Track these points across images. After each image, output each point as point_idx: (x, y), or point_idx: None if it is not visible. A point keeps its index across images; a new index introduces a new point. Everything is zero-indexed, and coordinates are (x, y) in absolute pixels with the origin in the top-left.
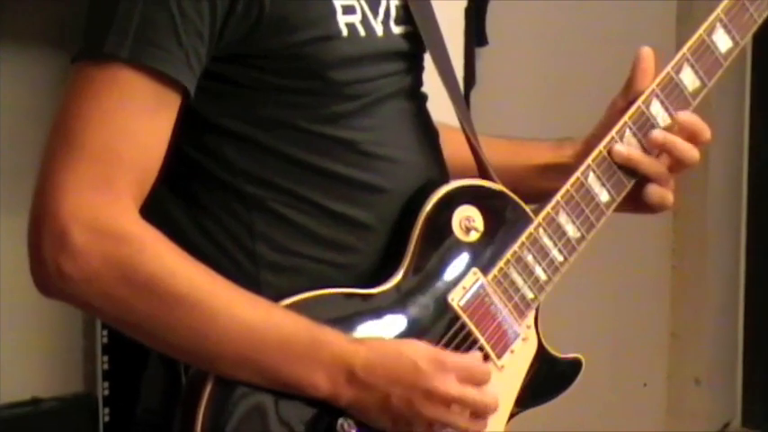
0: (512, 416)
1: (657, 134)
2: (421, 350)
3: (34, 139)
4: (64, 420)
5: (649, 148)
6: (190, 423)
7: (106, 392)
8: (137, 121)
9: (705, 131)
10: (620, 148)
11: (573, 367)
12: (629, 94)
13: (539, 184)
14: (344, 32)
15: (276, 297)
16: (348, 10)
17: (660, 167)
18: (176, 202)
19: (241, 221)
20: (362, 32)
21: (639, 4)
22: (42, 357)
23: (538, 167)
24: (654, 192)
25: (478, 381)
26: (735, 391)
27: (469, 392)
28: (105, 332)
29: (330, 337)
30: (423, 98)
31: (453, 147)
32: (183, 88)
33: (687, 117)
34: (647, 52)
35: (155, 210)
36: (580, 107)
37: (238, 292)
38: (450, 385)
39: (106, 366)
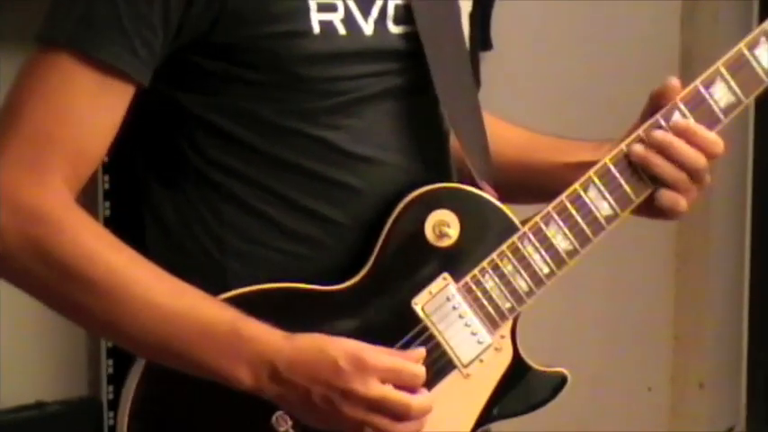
0: (479, 425)
1: (657, 133)
2: (343, 348)
3: None
4: (68, 424)
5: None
6: (123, 407)
7: (111, 396)
8: (75, 106)
9: (713, 144)
10: (637, 147)
11: (554, 382)
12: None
13: (572, 181)
14: (316, 30)
15: (242, 285)
16: (325, 8)
17: (676, 172)
18: (158, 186)
19: (211, 209)
20: (342, 30)
21: (643, 5)
22: (47, 361)
23: (573, 165)
24: (666, 196)
25: (406, 382)
26: (739, 395)
27: (390, 394)
28: None
29: (255, 332)
30: (428, 99)
31: (501, 144)
32: (127, 76)
33: (684, 123)
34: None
35: (141, 193)
36: (585, 110)
37: (163, 281)
38: (369, 387)
39: (111, 370)
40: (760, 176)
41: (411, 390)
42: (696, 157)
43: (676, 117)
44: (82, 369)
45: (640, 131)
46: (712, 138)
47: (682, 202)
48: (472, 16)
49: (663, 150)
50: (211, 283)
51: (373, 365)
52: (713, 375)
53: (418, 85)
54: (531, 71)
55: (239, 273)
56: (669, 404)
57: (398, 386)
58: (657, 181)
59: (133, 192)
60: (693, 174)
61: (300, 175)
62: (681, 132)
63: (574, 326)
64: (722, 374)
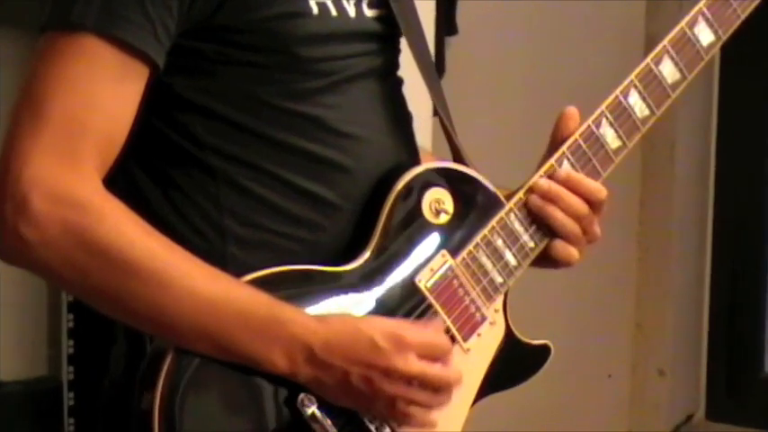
0: (476, 400)
1: (542, 182)
2: (379, 326)
3: None
4: (28, 404)
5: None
6: (150, 393)
7: (71, 376)
8: (102, 91)
9: (594, 192)
10: (535, 200)
11: (541, 353)
12: (555, 143)
13: None
14: (315, 10)
15: (243, 272)
16: None
17: (572, 225)
18: (146, 176)
19: (209, 195)
20: (334, 12)
21: None
22: (6, 341)
23: None
24: (560, 247)
25: (439, 355)
26: (698, 383)
27: (429, 369)
28: (71, 316)
29: (290, 314)
30: (397, 81)
31: None
32: (151, 60)
33: (565, 174)
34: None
35: (125, 184)
36: (548, 97)
37: (199, 265)
38: (409, 363)
39: (71, 350)
40: (722, 166)
41: (442, 362)
42: (580, 205)
43: (634, 97)
44: (42, 349)
45: (590, 121)
46: (594, 186)
47: (574, 253)
48: (438, 0)
49: (554, 201)
50: None
51: (410, 342)
52: (673, 363)
53: (388, 67)
54: (496, 58)
55: (240, 258)
56: (629, 391)
57: (432, 360)
58: (553, 231)
59: (118, 185)
60: (582, 223)
61: (294, 154)
62: (564, 182)
63: (535, 313)
64: (682, 362)
